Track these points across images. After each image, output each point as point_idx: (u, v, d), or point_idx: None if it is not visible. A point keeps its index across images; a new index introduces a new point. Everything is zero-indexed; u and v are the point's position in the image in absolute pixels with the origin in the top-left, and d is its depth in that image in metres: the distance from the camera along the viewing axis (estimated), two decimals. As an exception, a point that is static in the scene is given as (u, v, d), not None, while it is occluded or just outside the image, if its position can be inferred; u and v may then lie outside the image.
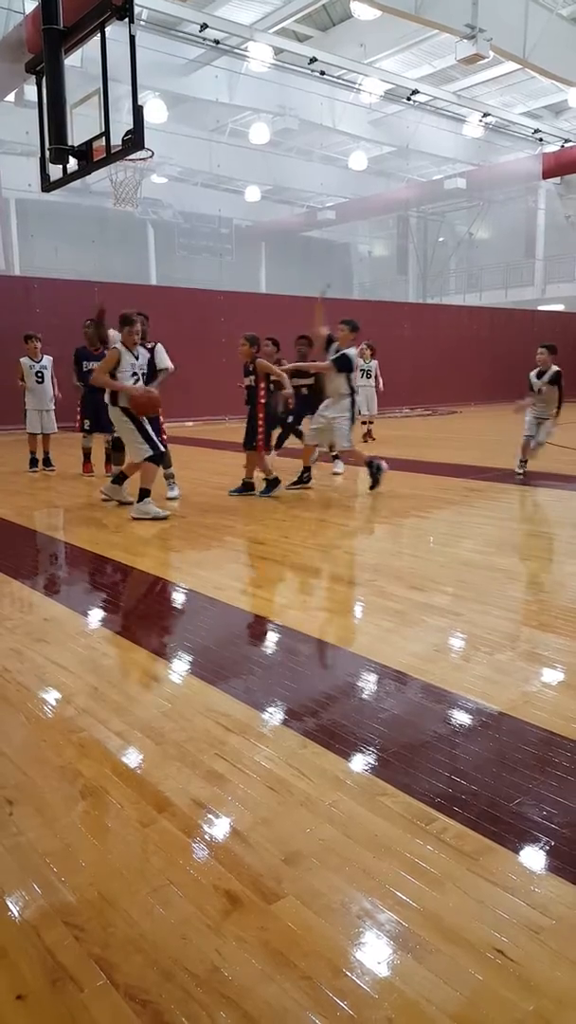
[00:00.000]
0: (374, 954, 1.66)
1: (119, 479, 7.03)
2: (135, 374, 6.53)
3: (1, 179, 18.63)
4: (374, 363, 12.01)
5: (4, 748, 2.58)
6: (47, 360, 9.31)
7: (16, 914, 1.80)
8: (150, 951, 1.67)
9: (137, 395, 6.39)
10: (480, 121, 19.82)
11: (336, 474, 8.78)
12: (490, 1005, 1.52)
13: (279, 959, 1.65)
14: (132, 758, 2.51)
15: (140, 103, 7.11)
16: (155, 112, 16.28)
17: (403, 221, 27.47)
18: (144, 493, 6.44)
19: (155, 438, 6.52)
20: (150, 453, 6.47)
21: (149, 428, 6.51)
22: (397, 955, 1.66)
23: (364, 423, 12.21)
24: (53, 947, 1.69)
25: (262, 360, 7.33)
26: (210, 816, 2.17)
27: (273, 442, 8.74)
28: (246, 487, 7.58)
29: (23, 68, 9.02)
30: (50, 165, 8.12)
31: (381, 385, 12.14)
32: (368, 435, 12.31)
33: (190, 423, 15.50)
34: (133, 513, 6.47)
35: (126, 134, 7.16)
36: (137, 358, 6.55)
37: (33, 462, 9.29)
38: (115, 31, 7.24)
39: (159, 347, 7.19)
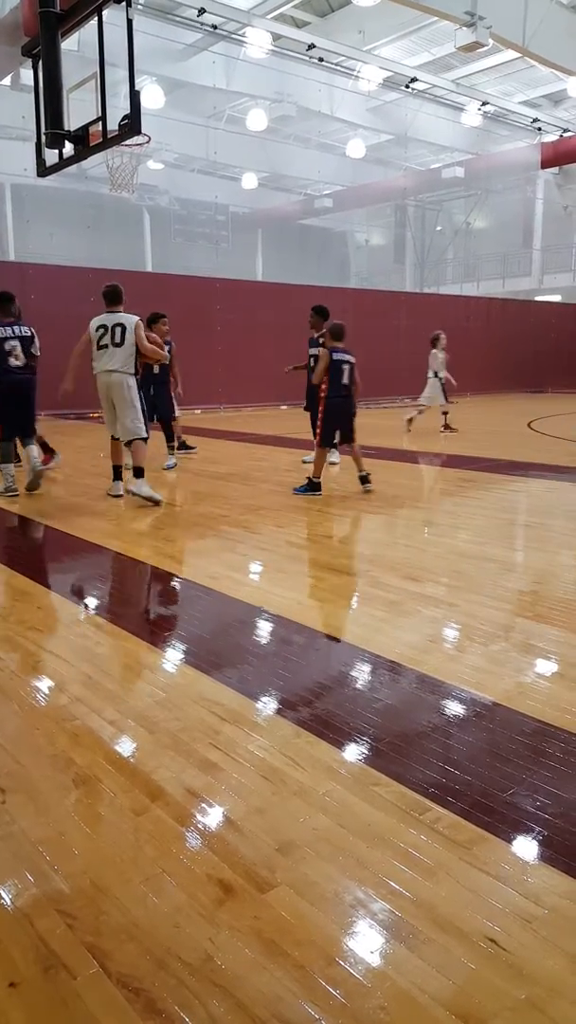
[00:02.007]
0: (367, 943, 1.67)
1: (119, 475, 6.96)
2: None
3: (-4, 164, 18.47)
4: (443, 354, 11.86)
5: (-3, 736, 2.58)
6: None
7: (8, 902, 1.80)
8: (143, 939, 1.68)
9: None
10: (479, 110, 19.71)
11: (332, 464, 8.76)
12: (483, 994, 1.53)
13: (272, 948, 1.65)
14: (125, 747, 2.51)
15: (137, 88, 7.07)
16: (152, 97, 16.13)
17: (401, 210, 27.36)
18: (140, 472, 6.48)
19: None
20: (144, 435, 6.57)
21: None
22: (390, 944, 1.66)
23: (419, 413, 12.08)
24: (46, 935, 1.69)
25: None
26: (203, 805, 2.17)
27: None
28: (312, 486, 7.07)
29: (19, 51, 8.93)
30: (46, 150, 8.07)
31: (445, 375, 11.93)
32: (447, 426, 12.19)
33: (196, 411, 15.46)
34: (131, 488, 6.49)
35: (123, 119, 7.11)
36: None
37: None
38: (112, 15, 7.17)
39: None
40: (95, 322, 6.64)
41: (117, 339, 6.53)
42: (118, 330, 6.54)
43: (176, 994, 1.53)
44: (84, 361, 6.74)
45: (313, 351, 8.45)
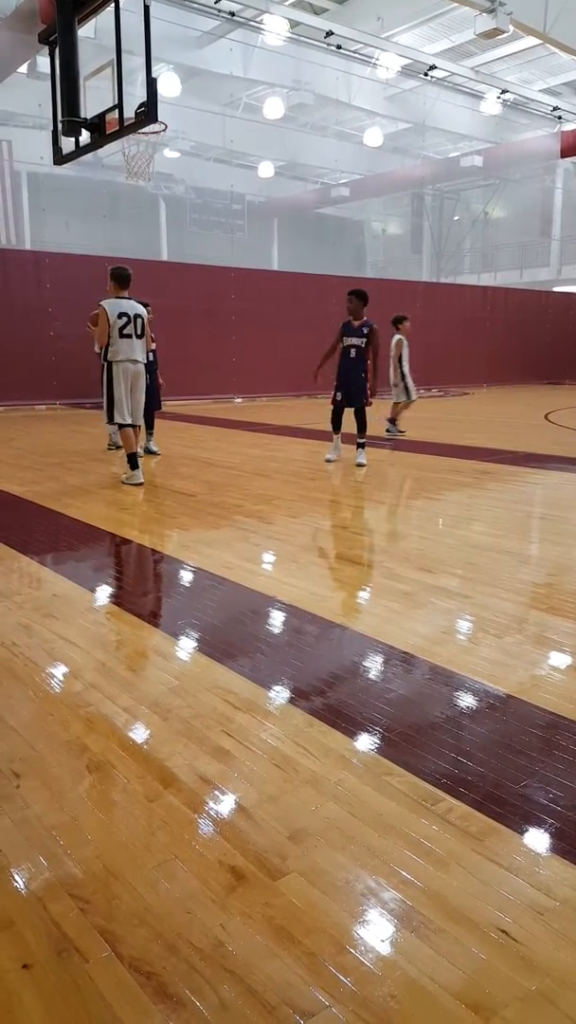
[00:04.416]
0: (378, 932, 1.67)
1: (136, 463, 7.01)
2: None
3: (13, 152, 18.50)
4: None
5: (12, 722, 2.60)
6: None
7: (22, 886, 1.82)
8: (155, 924, 1.69)
9: None
10: (498, 98, 19.49)
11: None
12: (493, 984, 1.53)
13: (283, 935, 1.66)
14: (139, 734, 2.52)
15: (154, 76, 7.04)
16: (168, 85, 16.10)
17: (418, 199, 27.19)
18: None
19: None
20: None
21: None
22: (401, 934, 1.66)
23: None
24: (59, 918, 1.71)
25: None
26: (216, 792, 2.18)
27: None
28: None
29: (36, 39, 8.92)
30: (62, 138, 8.06)
31: None
32: None
33: (202, 401, 15.46)
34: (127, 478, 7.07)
35: (139, 107, 7.10)
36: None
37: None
38: (129, 1, 7.14)
39: None
40: (114, 308, 6.74)
41: (139, 331, 6.82)
42: (139, 321, 6.83)
43: (187, 979, 1.54)
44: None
45: (354, 341, 7.85)
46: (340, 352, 7.96)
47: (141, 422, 7.15)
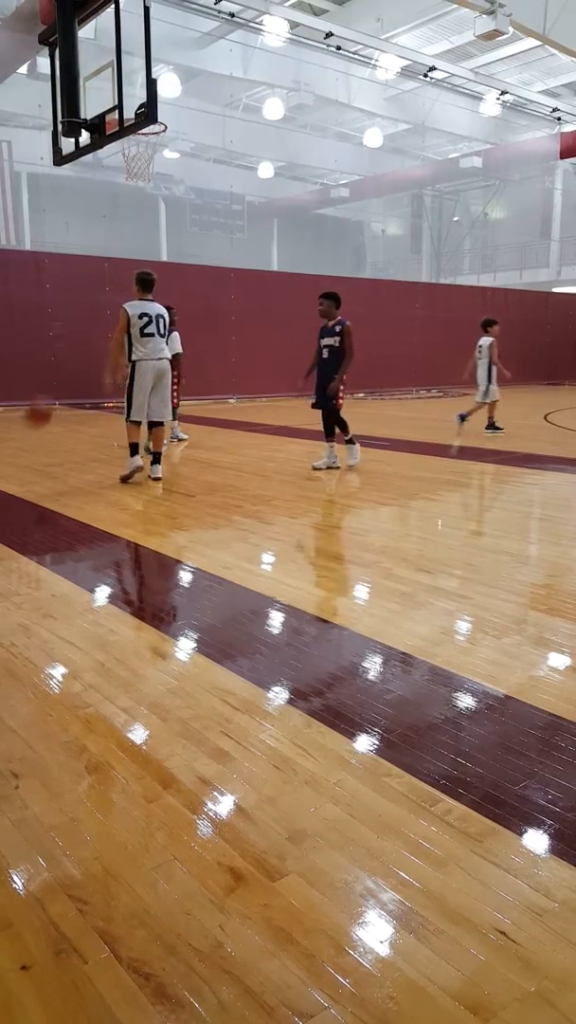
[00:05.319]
0: (376, 933, 1.67)
1: (144, 457, 7.22)
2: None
3: (13, 152, 18.51)
4: None
5: (11, 723, 2.59)
6: None
7: (21, 886, 1.82)
8: (154, 925, 1.69)
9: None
10: (497, 99, 19.50)
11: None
12: (492, 985, 1.53)
13: (282, 936, 1.66)
14: (138, 734, 2.52)
15: (154, 76, 7.04)
16: (168, 86, 16.12)
17: (417, 200, 27.23)
18: (159, 457, 7.29)
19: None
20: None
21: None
22: (399, 935, 1.66)
23: None
24: (57, 919, 1.71)
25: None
26: (215, 793, 2.18)
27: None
28: None
29: (36, 40, 8.92)
30: (62, 138, 8.07)
31: None
32: None
33: (202, 401, 15.45)
34: (156, 474, 7.15)
35: (139, 108, 7.10)
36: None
37: None
38: (129, 2, 7.15)
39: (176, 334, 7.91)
40: (135, 309, 6.91)
41: (162, 330, 7.02)
42: (161, 321, 7.01)
43: (186, 980, 1.54)
44: (122, 351, 7.01)
45: (328, 341, 7.62)
46: (317, 354, 7.76)
47: (169, 417, 7.27)
